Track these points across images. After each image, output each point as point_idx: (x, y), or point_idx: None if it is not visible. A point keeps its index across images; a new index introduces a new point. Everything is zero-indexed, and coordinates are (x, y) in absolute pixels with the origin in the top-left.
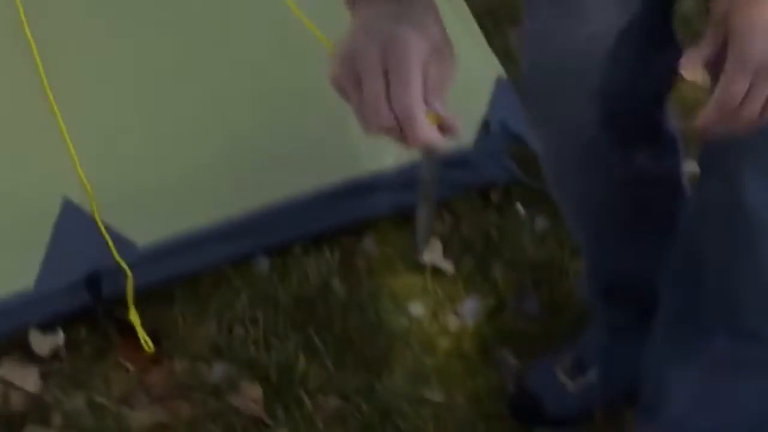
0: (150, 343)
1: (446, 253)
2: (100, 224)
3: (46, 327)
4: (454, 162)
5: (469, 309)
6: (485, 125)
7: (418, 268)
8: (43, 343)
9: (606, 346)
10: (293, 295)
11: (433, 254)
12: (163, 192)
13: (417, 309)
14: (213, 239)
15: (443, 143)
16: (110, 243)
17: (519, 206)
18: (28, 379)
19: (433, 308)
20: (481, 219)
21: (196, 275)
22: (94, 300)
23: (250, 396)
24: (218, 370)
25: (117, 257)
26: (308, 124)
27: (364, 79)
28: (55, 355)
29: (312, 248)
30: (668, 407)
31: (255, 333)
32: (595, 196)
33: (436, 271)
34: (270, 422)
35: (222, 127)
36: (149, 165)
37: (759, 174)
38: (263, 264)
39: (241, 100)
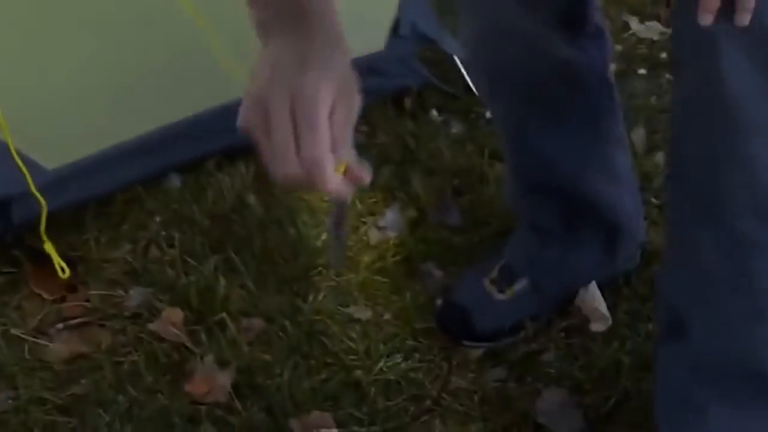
0: (66, 269)
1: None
2: (12, 149)
3: None
4: (366, 68)
5: (390, 221)
6: (395, 28)
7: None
8: None
9: (534, 252)
10: (208, 213)
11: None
12: (69, 114)
13: None
14: (122, 159)
15: (350, 191)
16: (24, 169)
17: (434, 112)
18: None
19: (353, 222)
20: (396, 127)
21: (107, 198)
22: (3, 228)
23: (171, 321)
24: (136, 296)
25: (31, 184)
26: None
27: (273, 129)
28: None
29: (225, 163)
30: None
31: (171, 255)
32: (519, 84)
33: None
34: (193, 347)
35: (123, 44)
36: (53, 87)
37: (736, 61)
38: (175, 182)
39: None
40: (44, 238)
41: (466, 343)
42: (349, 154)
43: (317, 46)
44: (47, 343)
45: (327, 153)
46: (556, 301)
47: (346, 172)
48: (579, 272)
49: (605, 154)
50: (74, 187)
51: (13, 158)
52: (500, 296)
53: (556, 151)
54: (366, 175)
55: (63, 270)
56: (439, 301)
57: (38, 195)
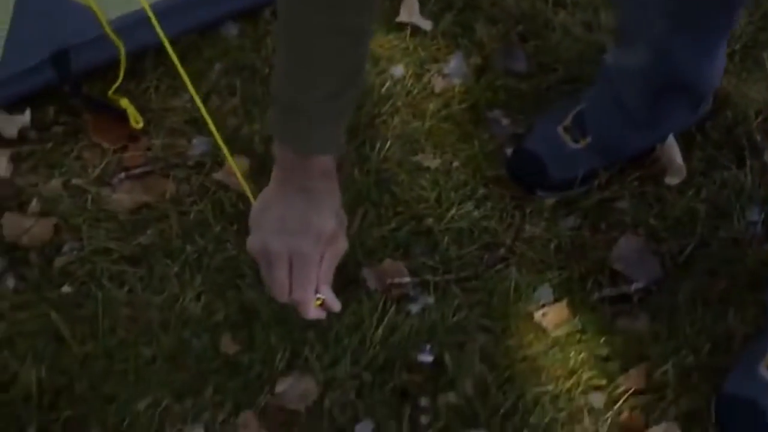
0: (140, 120)
1: (423, 11)
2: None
3: (13, 108)
4: None
5: (454, 68)
6: None
7: (396, 28)
8: (10, 124)
9: (615, 129)
10: (268, 61)
11: (410, 13)
12: None
13: (400, 71)
14: (179, 7)
15: (324, 317)
16: (99, 14)
17: None
18: None
19: (417, 69)
20: None
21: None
22: (61, 78)
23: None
24: (199, 145)
25: (106, 25)
26: None
27: (274, 270)
28: (23, 138)
29: None
30: None
31: (233, 103)
32: None
33: (416, 31)
34: None
35: None
36: None
37: None
38: (233, 31)
39: None
40: (119, 80)
41: (539, 192)
42: (327, 292)
43: (318, 196)
44: (110, 193)
45: (311, 296)
46: (633, 154)
47: (322, 303)
48: (659, 136)
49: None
50: (133, 36)
51: (70, 5)
52: (574, 145)
53: (687, 56)
54: (336, 306)
55: (136, 120)
56: (509, 150)
57: (114, 36)
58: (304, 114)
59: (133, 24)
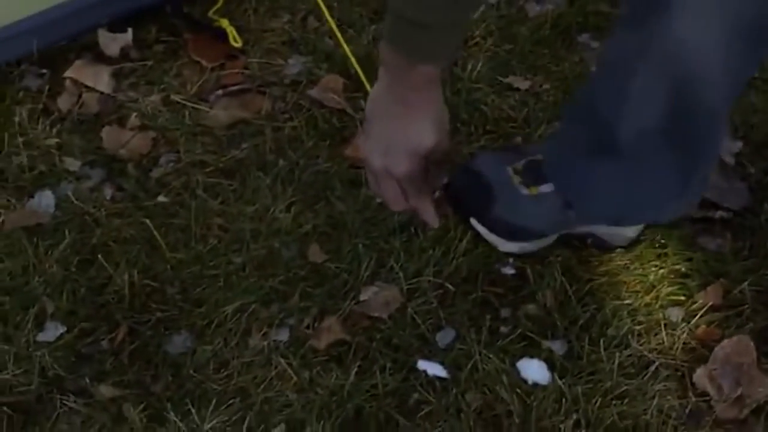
0: (239, 39)
1: None
2: None
3: (115, 27)
4: None
5: None
6: None
7: None
8: (112, 42)
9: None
10: None
11: None
12: None
13: None
14: None
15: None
16: None
17: None
18: (99, 79)
19: None
20: None
21: None
22: None
23: (331, 87)
24: (295, 64)
25: None
26: None
27: (381, 185)
28: (125, 56)
29: None
30: None
31: (330, 25)
32: None
33: None
34: (352, 113)
35: None
36: None
37: None
38: None
39: None
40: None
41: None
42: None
43: (420, 124)
44: (207, 109)
45: (428, 204)
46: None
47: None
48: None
49: None
50: None
51: None
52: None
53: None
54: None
55: (235, 39)
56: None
57: None
58: (417, 22)
59: None
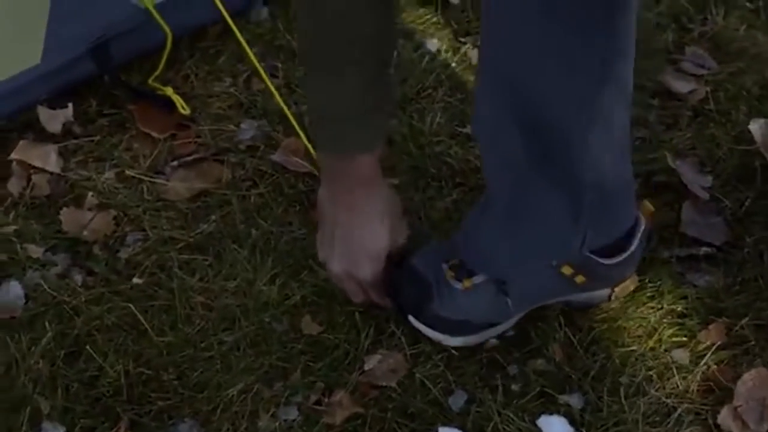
0: (186, 107)
1: None
2: None
3: (55, 103)
4: None
5: None
6: None
7: (425, 3)
8: (53, 119)
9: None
10: None
11: None
12: None
13: (435, 45)
14: None
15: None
16: (149, 5)
17: None
18: (47, 159)
19: (452, 43)
20: None
21: (197, 33)
22: (101, 69)
23: (292, 150)
24: (248, 129)
25: (154, 12)
26: None
27: (345, 285)
28: (68, 131)
29: None
30: None
31: (276, 84)
32: None
33: (445, 4)
34: (317, 173)
35: None
36: None
37: None
38: (263, 14)
39: None
40: (158, 71)
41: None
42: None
43: (370, 227)
44: (165, 182)
45: (388, 299)
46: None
47: None
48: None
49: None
50: (165, 19)
51: None
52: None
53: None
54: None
55: (182, 107)
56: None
57: (162, 22)
58: (337, 115)
59: (171, 7)
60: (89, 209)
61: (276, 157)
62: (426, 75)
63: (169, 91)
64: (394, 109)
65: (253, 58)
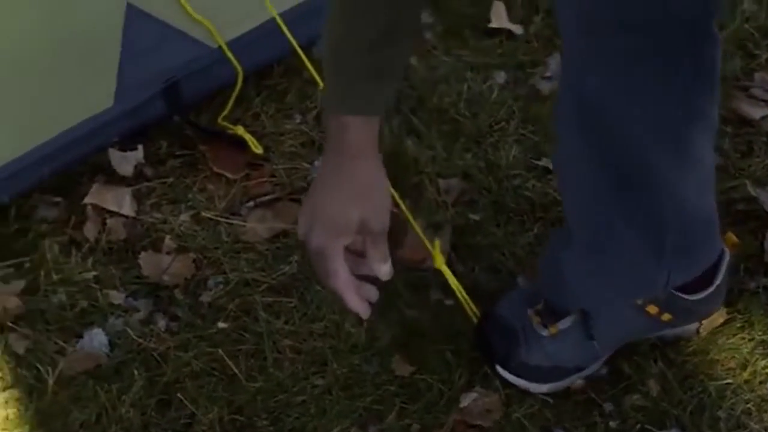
0: (258, 145)
1: (511, 16)
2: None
3: (125, 145)
4: None
5: (555, 70)
6: None
7: (489, 35)
8: (124, 161)
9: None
10: None
11: (500, 19)
12: None
13: (502, 76)
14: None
15: (367, 312)
16: (218, 37)
17: None
18: (121, 202)
19: (519, 74)
20: None
21: (264, 70)
22: (172, 109)
23: None
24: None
25: (228, 52)
26: None
27: (312, 259)
28: (140, 174)
29: None
30: None
31: None
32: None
33: (509, 36)
34: (399, 213)
35: None
36: None
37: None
38: None
39: None
40: (227, 110)
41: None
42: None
43: (347, 199)
44: (242, 223)
45: (342, 289)
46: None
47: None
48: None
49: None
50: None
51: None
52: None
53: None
54: (371, 295)
55: (254, 145)
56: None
57: (234, 60)
58: (341, 69)
59: (241, 45)
60: (167, 253)
61: None
62: (497, 108)
63: (240, 130)
64: (399, 84)
65: None
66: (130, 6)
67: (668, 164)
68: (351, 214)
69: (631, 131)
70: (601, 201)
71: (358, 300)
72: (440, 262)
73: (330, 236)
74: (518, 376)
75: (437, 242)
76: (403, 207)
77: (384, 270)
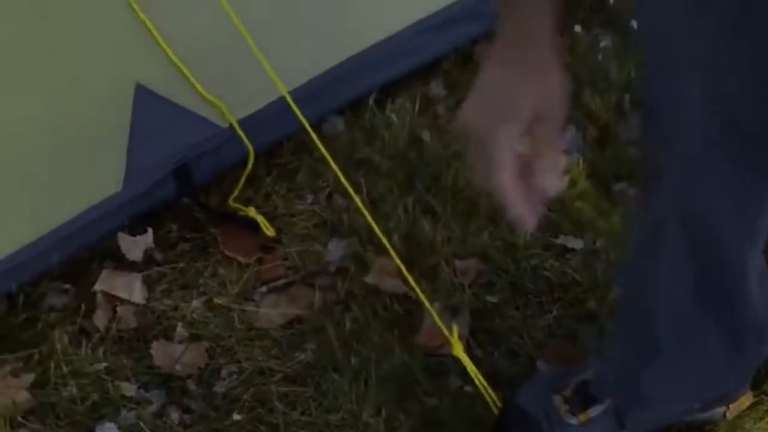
0: (270, 227)
1: None
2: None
3: (134, 229)
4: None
5: (572, 143)
6: None
7: None
8: (134, 246)
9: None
10: (385, 153)
11: None
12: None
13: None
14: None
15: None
16: (230, 116)
17: (577, 27)
18: (132, 289)
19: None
20: None
21: (274, 149)
22: (180, 192)
23: (386, 271)
24: (335, 249)
25: (239, 131)
26: None
27: (477, 154)
28: (149, 258)
29: (383, 100)
30: None
31: (360, 200)
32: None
33: None
34: (416, 296)
35: None
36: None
37: None
38: (339, 126)
39: None
40: (237, 190)
41: None
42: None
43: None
44: (255, 308)
45: (503, 187)
46: None
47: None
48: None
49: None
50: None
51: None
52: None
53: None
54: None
55: (267, 228)
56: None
57: (246, 139)
58: None
59: (251, 123)
60: (180, 342)
61: (369, 279)
62: None
63: (251, 211)
64: None
65: (339, 174)
66: (139, 86)
67: (747, 254)
68: (525, 96)
69: (720, 224)
70: (684, 302)
71: (524, 204)
72: (458, 350)
73: (499, 120)
74: None
75: (455, 328)
76: (418, 291)
77: (554, 184)
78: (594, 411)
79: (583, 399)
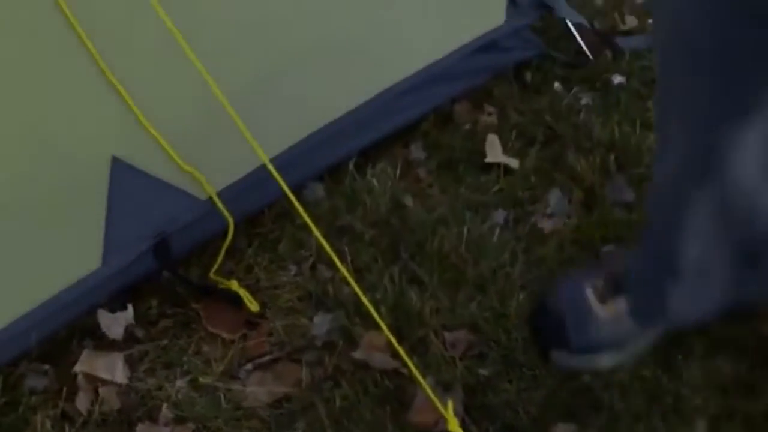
0: (254, 302)
1: (506, 149)
2: (182, 165)
3: (114, 306)
4: (485, 45)
5: (556, 206)
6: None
7: (485, 170)
8: (114, 323)
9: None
10: (367, 221)
11: (494, 153)
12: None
13: (501, 215)
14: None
15: None
16: (209, 189)
17: (557, 84)
18: (114, 369)
19: (519, 212)
20: (525, 104)
21: (254, 217)
22: (162, 265)
23: (375, 346)
24: (322, 323)
25: (218, 203)
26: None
27: None
28: (130, 336)
29: (363, 164)
30: None
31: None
32: None
33: (506, 170)
34: (407, 372)
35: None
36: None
37: None
38: (318, 192)
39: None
40: (218, 263)
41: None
42: None
43: None
44: (242, 387)
45: None
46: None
47: None
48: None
49: None
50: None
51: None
52: (602, 310)
53: None
54: None
55: (251, 302)
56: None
57: (225, 211)
58: None
59: (230, 194)
60: (165, 424)
61: (358, 354)
62: (499, 251)
63: (234, 285)
64: None
65: (324, 243)
66: (116, 159)
67: None
68: None
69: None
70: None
71: None
72: (455, 425)
73: None
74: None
75: (450, 403)
76: (412, 367)
77: None
78: (619, 303)
79: (612, 287)
